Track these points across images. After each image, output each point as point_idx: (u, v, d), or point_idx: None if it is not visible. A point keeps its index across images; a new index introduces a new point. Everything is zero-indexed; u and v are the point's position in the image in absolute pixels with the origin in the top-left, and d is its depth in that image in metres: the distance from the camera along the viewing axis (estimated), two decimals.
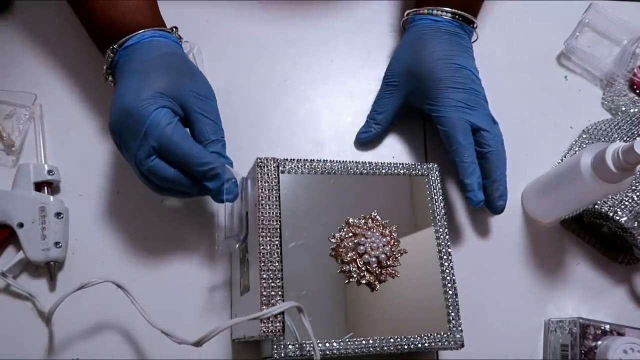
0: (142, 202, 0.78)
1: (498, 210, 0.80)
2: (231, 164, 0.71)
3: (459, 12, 0.84)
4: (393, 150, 0.88)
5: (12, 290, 0.72)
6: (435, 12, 0.84)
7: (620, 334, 0.77)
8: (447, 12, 0.84)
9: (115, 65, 0.73)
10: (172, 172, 0.67)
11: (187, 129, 0.70)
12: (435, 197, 0.76)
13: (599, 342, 0.77)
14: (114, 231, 0.77)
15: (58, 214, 0.73)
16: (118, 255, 0.76)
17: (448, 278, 0.73)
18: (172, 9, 0.88)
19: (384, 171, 0.76)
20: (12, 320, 0.71)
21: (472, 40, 0.87)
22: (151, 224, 0.76)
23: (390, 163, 0.76)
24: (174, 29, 0.77)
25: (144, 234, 0.77)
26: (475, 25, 0.86)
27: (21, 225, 0.72)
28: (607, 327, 0.78)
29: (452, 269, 0.73)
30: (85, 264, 0.75)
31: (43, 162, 0.77)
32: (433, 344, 0.70)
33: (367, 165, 0.75)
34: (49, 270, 0.73)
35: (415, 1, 0.88)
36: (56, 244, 0.73)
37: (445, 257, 0.74)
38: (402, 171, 0.76)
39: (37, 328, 0.71)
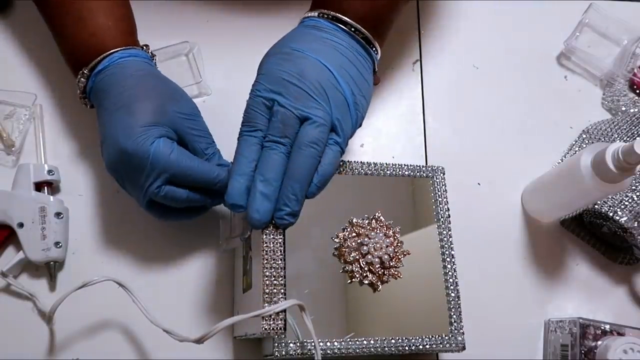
0: None
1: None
2: None
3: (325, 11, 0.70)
4: (393, 150, 0.88)
5: (12, 290, 0.72)
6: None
7: (620, 334, 0.77)
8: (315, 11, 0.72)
9: (90, 92, 0.72)
10: (185, 193, 0.68)
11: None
12: (440, 199, 0.76)
13: (599, 342, 0.77)
14: (114, 231, 0.77)
15: (58, 214, 0.73)
16: (118, 255, 0.76)
17: (451, 280, 0.73)
18: (173, 9, 0.88)
19: (388, 172, 0.75)
20: (13, 320, 0.71)
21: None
22: (151, 223, 0.76)
23: (395, 164, 0.76)
24: (145, 47, 0.76)
25: (144, 234, 0.77)
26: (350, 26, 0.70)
27: (21, 225, 0.72)
28: (607, 327, 0.78)
29: (455, 271, 0.73)
30: (85, 263, 0.75)
31: (43, 162, 0.77)
32: (434, 345, 0.70)
33: (372, 166, 0.75)
34: (49, 270, 0.73)
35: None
36: (56, 244, 0.73)
37: (448, 259, 0.74)
38: (407, 172, 0.76)
39: (37, 328, 0.71)
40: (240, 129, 0.66)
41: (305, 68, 0.65)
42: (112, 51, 0.71)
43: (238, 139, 0.66)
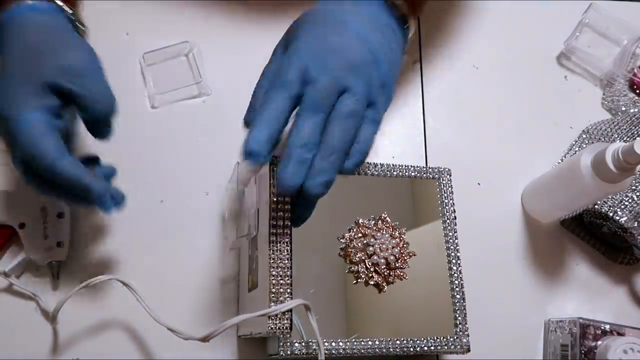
0: (143, 201, 0.77)
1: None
2: (113, 172, 0.69)
3: None
4: (393, 151, 0.88)
5: (15, 290, 0.72)
6: None
7: (620, 334, 0.78)
8: None
9: None
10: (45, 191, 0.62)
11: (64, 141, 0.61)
12: (446, 200, 0.76)
13: (599, 342, 0.77)
14: (115, 230, 0.77)
15: (59, 214, 0.73)
16: (120, 255, 0.75)
17: (456, 282, 0.73)
18: (173, 9, 0.88)
19: (395, 173, 0.76)
20: (16, 320, 0.71)
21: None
22: (153, 223, 0.76)
23: (402, 165, 0.76)
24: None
25: (145, 233, 0.77)
26: None
27: (23, 225, 0.72)
28: (607, 327, 0.78)
29: (460, 272, 0.73)
30: (87, 263, 0.75)
31: None
32: (439, 347, 0.70)
33: (379, 167, 0.75)
34: (51, 269, 0.73)
35: None
36: (58, 243, 0.72)
37: (454, 260, 0.74)
38: (413, 174, 0.76)
39: (41, 327, 0.71)
40: (268, 86, 0.62)
41: (345, 40, 0.63)
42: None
43: (267, 92, 0.61)
